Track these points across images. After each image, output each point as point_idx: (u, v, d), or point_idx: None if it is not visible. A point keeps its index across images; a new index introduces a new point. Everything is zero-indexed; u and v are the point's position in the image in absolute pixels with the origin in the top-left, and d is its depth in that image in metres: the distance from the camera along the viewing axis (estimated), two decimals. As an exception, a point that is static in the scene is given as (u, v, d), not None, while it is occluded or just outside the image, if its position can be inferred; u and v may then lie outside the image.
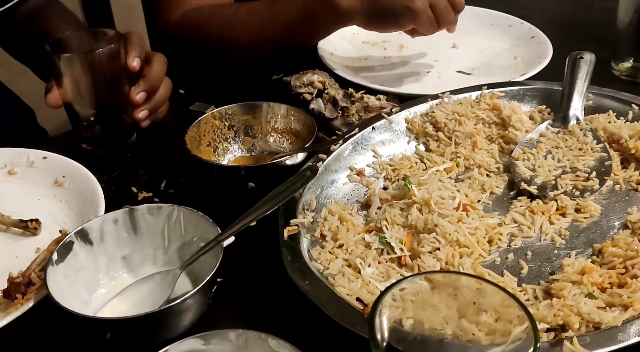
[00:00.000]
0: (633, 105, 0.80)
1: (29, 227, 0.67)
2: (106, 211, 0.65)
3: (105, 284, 0.61)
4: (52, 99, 0.79)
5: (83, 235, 0.60)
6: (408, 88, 0.94)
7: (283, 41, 0.94)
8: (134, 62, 0.79)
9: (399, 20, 0.88)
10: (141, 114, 0.81)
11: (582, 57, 0.84)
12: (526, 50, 1.03)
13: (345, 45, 1.04)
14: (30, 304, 0.57)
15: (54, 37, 0.79)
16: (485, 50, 1.06)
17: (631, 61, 0.93)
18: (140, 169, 0.79)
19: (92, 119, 0.81)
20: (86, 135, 0.81)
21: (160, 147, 0.84)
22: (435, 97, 0.82)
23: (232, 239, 0.60)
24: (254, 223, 0.61)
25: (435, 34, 0.93)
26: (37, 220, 0.67)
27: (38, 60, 1.03)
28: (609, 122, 0.78)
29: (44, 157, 0.76)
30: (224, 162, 0.78)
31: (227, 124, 0.79)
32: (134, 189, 0.76)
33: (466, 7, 1.03)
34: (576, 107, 0.80)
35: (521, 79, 0.91)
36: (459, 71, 1.00)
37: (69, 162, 0.75)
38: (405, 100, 0.83)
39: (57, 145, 0.83)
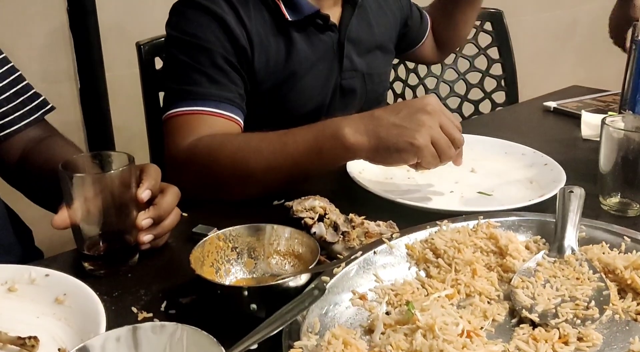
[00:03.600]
0: (625, 238, 0.82)
1: (26, 344, 0.65)
2: (106, 331, 0.64)
3: (102, 405, 0.59)
4: (59, 220, 0.81)
5: (84, 352, 0.59)
6: (435, 204, 1.00)
7: (292, 170, 0.98)
8: (144, 194, 0.82)
9: (404, 155, 0.93)
10: (145, 237, 0.83)
11: (572, 191, 0.88)
12: (541, 175, 1.09)
13: (371, 165, 1.07)
14: None
15: (68, 159, 0.82)
16: (502, 175, 1.13)
17: (618, 197, 0.98)
18: (141, 289, 0.79)
19: (97, 238, 0.82)
20: (89, 255, 0.82)
21: (161, 268, 0.84)
22: (433, 224, 0.85)
23: (235, 361, 0.59)
24: (255, 346, 0.61)
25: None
26: (35, 337, 0.66)
27: (36, 187, 1.06)
28: (603, 253, 0.80)
29: (46, 275, 0.76)
30: (226, 283, 0.78)
31: (230, 245, 0.80)
32: (134, 309, 0.75)
33: (481, 137, 1.20)
34: (570, 238, 0.82)
35: (540, 200, 0.96)
36: (479, 192, 1.06)
37: (70, 280, 0.75)
38: (434, 217, 0.87)
39: (59, 264, 0.83)
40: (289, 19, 1.17)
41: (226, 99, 1.10)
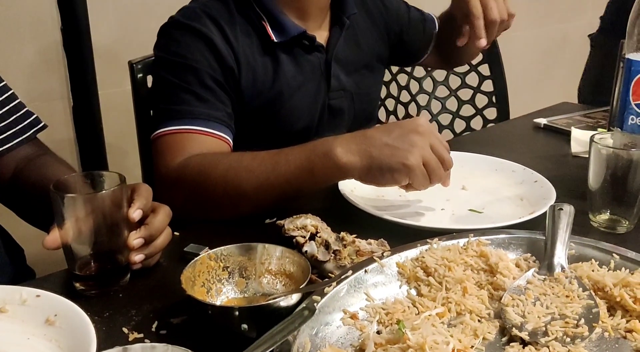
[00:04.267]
0: (614, 255, 0.83)
1: (16, 366, 0.65)
2: None
3: None
4: (50, 241, 0.81)
5: (74, 375, 0.59)
6: (427, 222, 1.00)
7: (284, 189, 0.99)
8: (135, 214, 0.82)
9: (396, 175, 0.94)
10: (137, 257, 0.83)
11: (561, 209, 0.89)
12: (531, 192, 1.10)
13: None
14: None
15: (59, 179, 0.82)
16: (493, 192, 1.13)
17: (608, 214, 0.98)
18: (132, 310, 0.79)
19: (89, 258, 0.82)
20: (81, 275, 0.82)
21: (153, 288, 0.84)
22: (424, 242, 0.85)
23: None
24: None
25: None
26: (25, 359, 0.66)
27: (28, 205, 1.06)
28: (593, 271, 0.81)
29: (37, 296, 0.76)
30: (217, 303, 0.78)
31: (222, 264, 0.80)
32: (125, 330, 0.75)
33: (471, 154, 1.21)
34: (560, 255, 0.83)
35: (530, 217, 0.97)
36: (470, 210, 1.07)
37: (61, 301, 0.74)
38: (426, 235, 0.87)
39: (50, 284, 0.83)
40: (275, 40, 1.19)
41: (215, 118, 1.11)
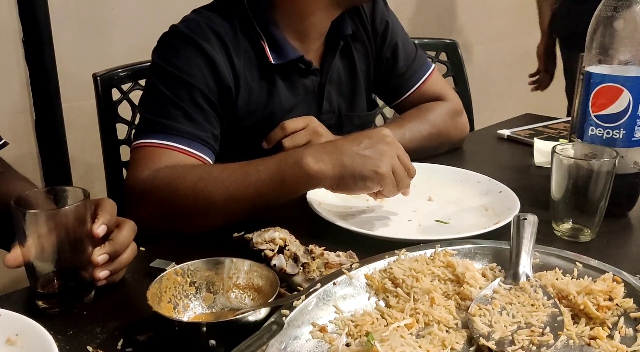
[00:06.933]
0: (577, 263, 0.84)
1: (-25, 389, 0.63)
2: (60, 371, 0.62)
3: None
4: (11, 259, 0.79)
5: (36, 396, 0.57)
6: (394, 233, 1.01)
7: (254, 200, 0.98)
8: (99, 229, 0.81)
9: (368, 183, 0.97)
10: (101, 273, 0.82)
11: (525, 219, 0.90)
12: (496, 202, 1.12)
13: (330, 195, 1.10)
14: None
15: (21, 195, 0.80)
16: (459, 203, 1.15)
17: (570, 223, 1.00)
18: (97, 327, 0.78)
19: (52, 275, 0.80)
20: (43, 293, 0.80)
21: (118, 305, 0.83)
22: (392, 253, 0.86)
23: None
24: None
25: (411, 189, 1.04)
26: (-16, 381, 0.64)
27: None
28: (557, 279, 0.82)
29: (-3, 315, 0.74)
30: (184, 319, 0.77)
31: (188, 280, 0.79)
32: (90, 348, 0.73)
33: (437, 165, 1.23)
34: (525, 264, 0.84)
35: (495, 227, 0.99)
36: (437, 220, 1.08)
37: (23, 320, 0.73)
38: (394, 246, 0.87)
39: (11, 303, 0.81)
40: (273, 62, 1.19)
41: (198, 138, 1.10)
